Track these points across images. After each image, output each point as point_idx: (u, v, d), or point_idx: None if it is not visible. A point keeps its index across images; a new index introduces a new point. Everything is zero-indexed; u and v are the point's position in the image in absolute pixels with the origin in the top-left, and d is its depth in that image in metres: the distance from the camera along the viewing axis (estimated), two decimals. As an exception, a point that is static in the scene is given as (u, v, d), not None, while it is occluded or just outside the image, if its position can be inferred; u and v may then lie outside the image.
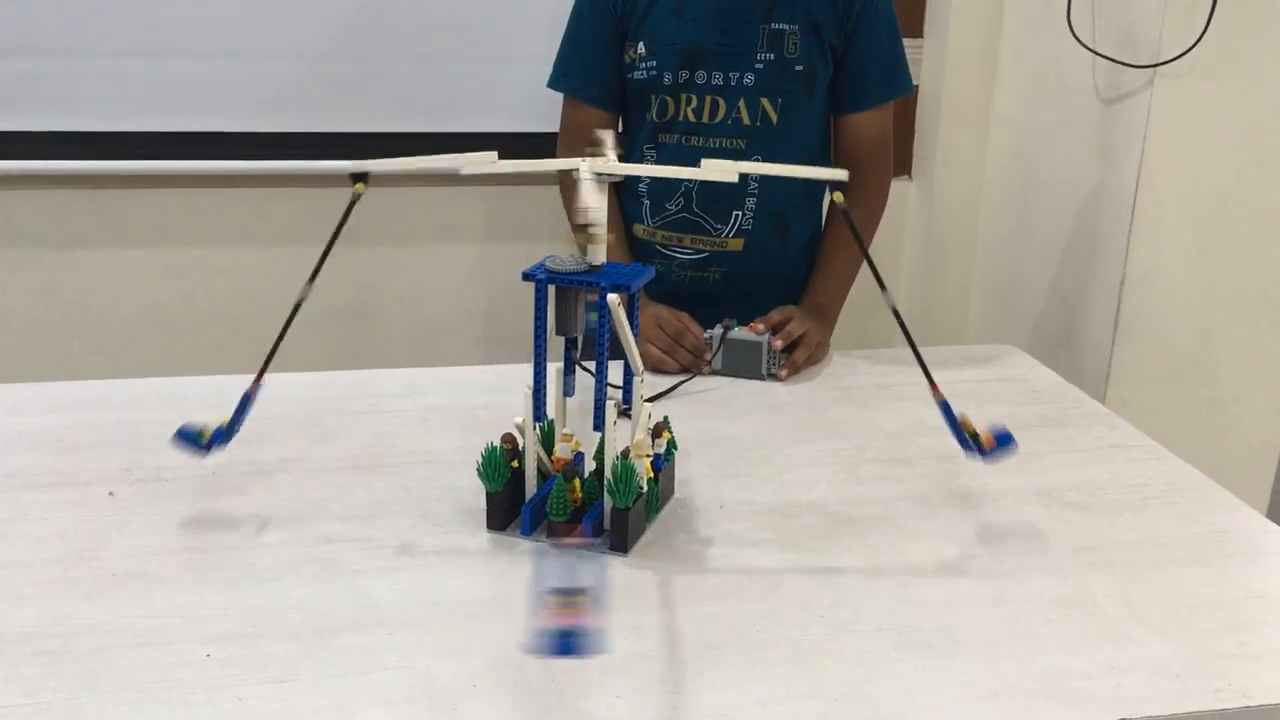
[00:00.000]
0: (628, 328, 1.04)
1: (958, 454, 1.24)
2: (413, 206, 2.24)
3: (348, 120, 2.17)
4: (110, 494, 1.15)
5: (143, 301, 2.24)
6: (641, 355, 1.54)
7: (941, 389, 1.06)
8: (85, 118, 2.13)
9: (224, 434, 1.09)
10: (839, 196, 1.03)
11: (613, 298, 1.01)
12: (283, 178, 2.16)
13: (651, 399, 1.41)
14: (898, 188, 2.35)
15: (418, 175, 2.19)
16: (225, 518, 1.11)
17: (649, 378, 1.50)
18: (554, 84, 1.66)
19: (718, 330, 1.52)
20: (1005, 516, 1.14)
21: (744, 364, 1.51)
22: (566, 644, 0.71)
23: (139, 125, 2.14)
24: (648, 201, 1.65)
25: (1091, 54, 1.82)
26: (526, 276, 1.04)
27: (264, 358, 1.11)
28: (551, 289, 1.04)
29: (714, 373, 1.52)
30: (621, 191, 1.70)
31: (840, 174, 1.02)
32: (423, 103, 2.20)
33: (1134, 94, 1.74)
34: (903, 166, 2.35)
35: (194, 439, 1.09)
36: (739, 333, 1.51)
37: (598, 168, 1.00)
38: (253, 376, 1.08)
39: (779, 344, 1.50)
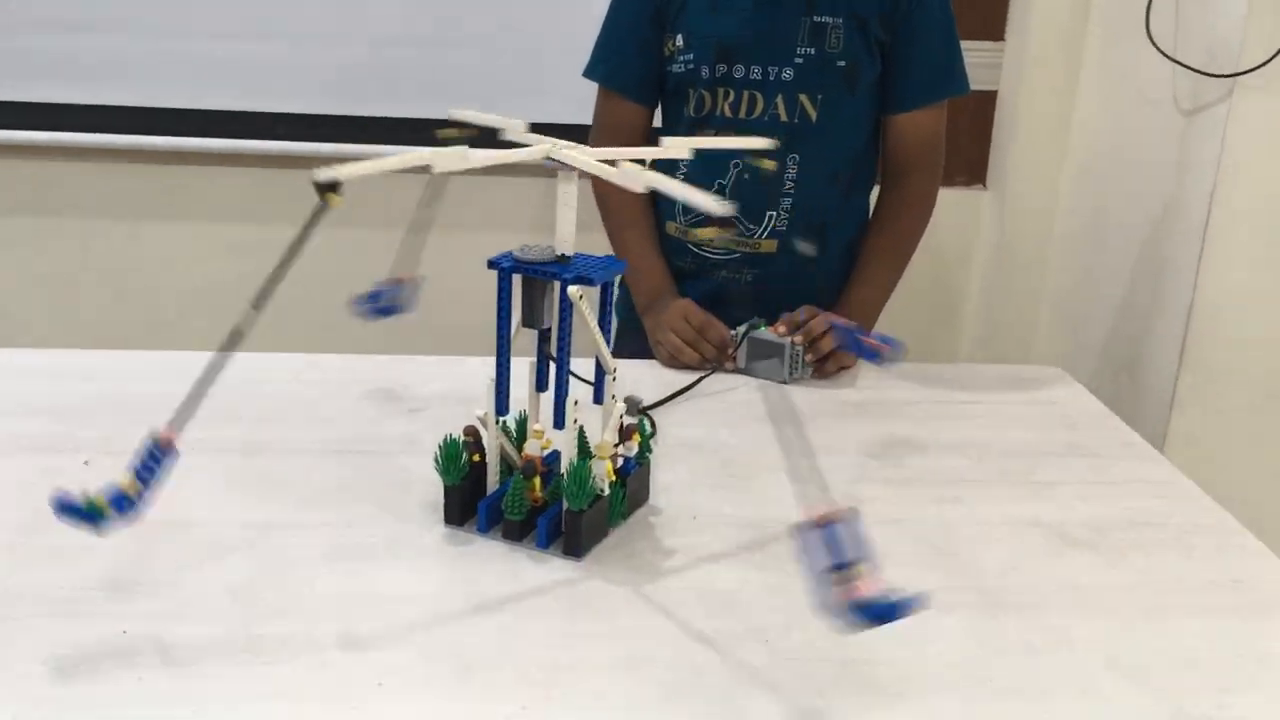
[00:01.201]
0: (594, 322, 1.00)
1: (965, 479, 1.19)
2: (464, 195, 2.23)
3: (399, 106, 2.17)
4: (86, 463, 1.15)
5: (198, 277, 2.27)
6: (662, 344, 1.51)
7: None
8: (147, 93, 2.17)
9: (125, 502, 0.82)
10: (766, 163, 0.98)
11: (573, 290, 0.96)
12: (337, 160, 2.18)
13: (669, 399, 1.37)
14: (971, 197, 2.26)
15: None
16: (188, 494, 1.09)
17: (669, 374, 1.46)
18: (589, 73, 1.62)
19: (742, 328, 1.47)
20: (999, 549, 1.06)
21: (766, 365, 1.45)
22: (885, 610, 0.71)
23: (196, 103, 2.18)
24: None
25: (1171, 62, 1.71)
26: (492, 265, 1.00)
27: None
28: (519, 279, 1.00)
29: (737, 371, 1.47)
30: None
31: (765, 142, 0.98)
32: (472, 90, 2.19)
33: (1212, 105, 1.62)
34: (977, 176, 2.25)
35: (78, 511, 0.82)
36: (764, 333, 1.45)
37: (560, 153, 0.95)
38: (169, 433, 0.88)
39: (799, 340, 1.43)
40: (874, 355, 1.12)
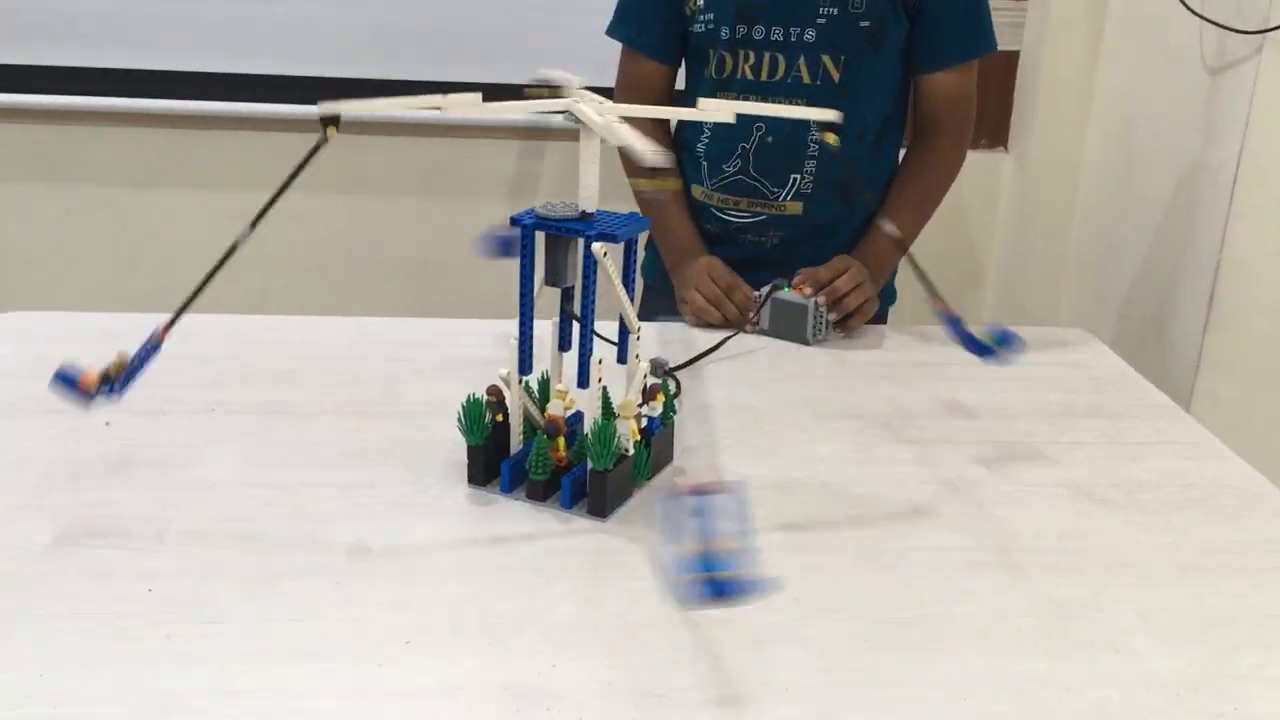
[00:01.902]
0: (618, 280, 0.99)
1: (989, 439, 1.18)
2: (483, 160, 2.21)
3: (415, 69, 2.15)
4: (107, 424, 1.14)
5: (212, 242, 2.26)
6: (687, 302, 1.50)
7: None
8: (157, 56, 2.16)
9: (116, 384, 0.94)
10: (830, 137, 0.95)
11: (597, 247, 0.95)
12: (352, 125, 2.16)
13: (692, 361, 1.35)
14: (992, 160, 2.24)
15: (492, 127, 2.17)
16: (211, 454, 1.09)
17: (691, 335, 1.45)
18: (611, 31, 1.61)
19: (766, 289, 1.46)
20: (1026, 509, 1.05)
21: (789, 326, 1.44)
22: (724, 587, 0.71)
23: (213, 66, 2.16)
24: (705, 163, 1.59)
25: (1199, 19, 1.68)
26: (514, 222, 0.99)
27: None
28: (542, 236, 0.99)
29: (761, 332, 1.46)
30: (680, 152, 1.64)
31: (830, 114, 0.95)
32: (489, 51, 2.17)
33: (1240, 63, 1.60)
34: (998, 139, 2.22)
35: (73, 383, 0.93)
36: (787, 293, 1.44)
37: (578, 108, 0.94)
38: (168, 322, 1.00)
39: (823, 301, 1.42)
40: (985, 351, 1.10)
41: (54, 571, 0.89)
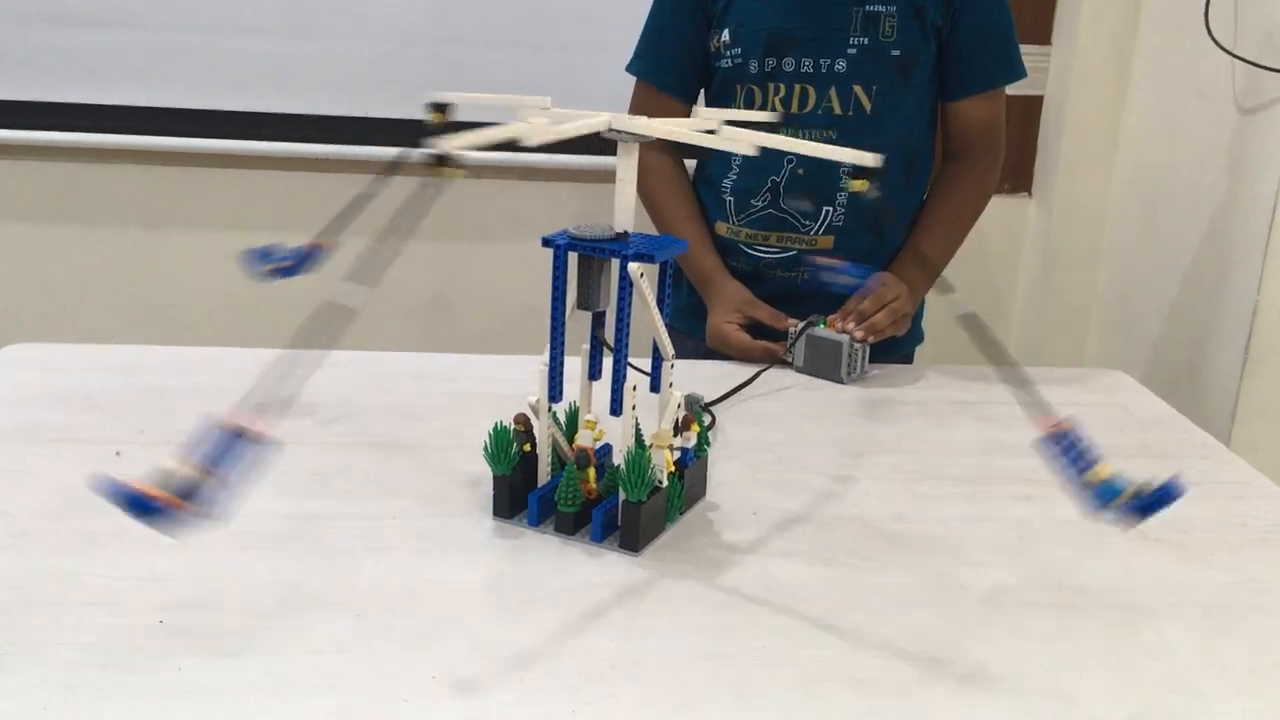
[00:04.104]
0: (654, 305, 0.95)
1: (1031, 478, 1.13)
2: (495, 200, 2.19)
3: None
4: (117, 454, 1.10)
5: (219, 280, 2.23)
6: (721, 337, 1.47)
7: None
8: (167, 93, 2.14)
9: (287, 270, 1.13)
10: (860, 184, 0.91)
11: (634, 268, 0.92)
12: (362, 163, 2.13)
13: (725, 396, 1.31)
14: (1016, 205, 2.21)
15: (502, 169, 2.15)
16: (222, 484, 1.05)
17: (724, 369, 1.41)
18: (629, 67, 1.59)
19: (801, 325, 1.42)
20: (1079, 547, 1.00)
21: (823, 364, 1.40)
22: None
23: (231, 105, 2.15)
24: (731, 199, 1.56)
25: (1230, 58, 1.66)
26: (546, 242, 0.95)
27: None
28: (574, 258, 0.95)
29: (796, 369, 1.42)
30: (704, 189, 1.61)
31: (872, 158, 0.91)
32: (503, 90, 2.16)
33: (1276, 101, 1.57)
34: (1022, 183, 2.20)
35: (260, 258, 1.13)
36: (821, 330, 1.40)
37: (620, 124, 0.90)
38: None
39: (860, 336, 1.38)
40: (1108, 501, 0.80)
41: (60, 601, 0.84)
